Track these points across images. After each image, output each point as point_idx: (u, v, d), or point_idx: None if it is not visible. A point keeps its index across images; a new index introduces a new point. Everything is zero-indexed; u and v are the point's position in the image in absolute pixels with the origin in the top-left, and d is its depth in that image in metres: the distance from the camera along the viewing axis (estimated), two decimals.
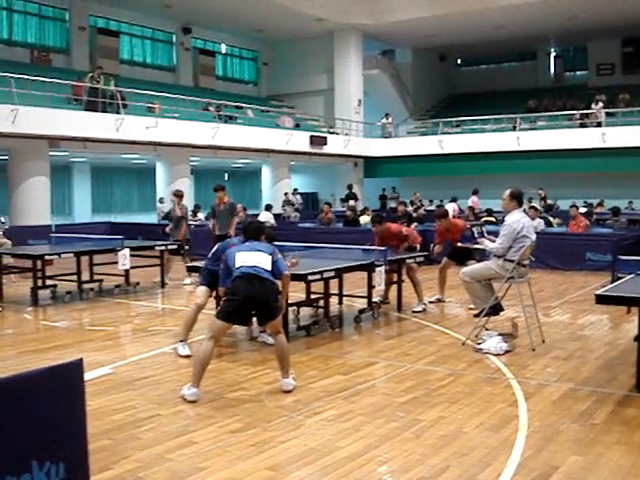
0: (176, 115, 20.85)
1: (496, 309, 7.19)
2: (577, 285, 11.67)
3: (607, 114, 25.12)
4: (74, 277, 10.60)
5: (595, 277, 12.08)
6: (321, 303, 8.48)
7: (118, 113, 18.60)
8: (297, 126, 26.51)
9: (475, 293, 7.16)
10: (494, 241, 7.07)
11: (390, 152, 28.35)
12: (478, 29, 28.32)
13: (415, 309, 9.07)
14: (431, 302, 9.61)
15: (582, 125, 25.56)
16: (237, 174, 31.78)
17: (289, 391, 5.40)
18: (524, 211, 8.21)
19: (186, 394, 5.21)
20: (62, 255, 10.16)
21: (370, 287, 8.56)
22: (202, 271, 6.97)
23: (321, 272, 7.41)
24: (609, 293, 5.51)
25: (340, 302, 9.25)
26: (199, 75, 28.45)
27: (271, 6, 25.03)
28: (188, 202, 21.39)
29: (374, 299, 8.85)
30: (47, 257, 10.14)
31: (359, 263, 8.26)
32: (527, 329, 7.05)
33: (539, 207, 17.31)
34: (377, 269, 8.12)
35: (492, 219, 15.40)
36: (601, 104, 25.25)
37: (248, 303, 5.30)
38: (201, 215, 19.38)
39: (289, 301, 7.30)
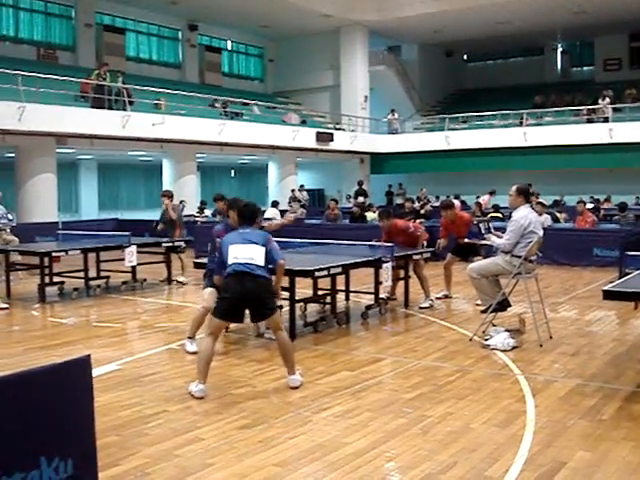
0: (182, 112, 20.85)
1: (503, 305, 7.17)
2: (584, 281, 11.64)
3: (614, 109, 25.04)
4: (81, 274, 10.64)
5: (602, 273, 12.02)
6: (328, 299, 8.49)
7: (124, 110, 18.65)
8: (303, 122, 26.50)
9: (482, 289, 7.15)
10: (501, 237, 7.06)
11: (396, 148, 28.31)
12: (484, 24, 28.21)
13: (422, 305, 9.06)
14: (438, 298, 9.59)
15: (589, 121, 25.46)
16: (243, 171, 31.81)
17: (296, 387, 5.41)
18: (531, 207, 8.18)
19: (193, 390, 5.23)
20: (69, 252, 10.19)
21: (377, 283, 8.55)
22: (206, 273, 6.96)
23: (328, 268, 7.40)
24: (616, 289, 5.47)
25: (347, 298, 9.24)
26: (205, 72, 28.47)
27: (277, 2, 25.04)
28: (194, 199, 21.56)
29: (381, 295, 8.83)
30: (54, 254, 10.19)
31: (366, 259, 8.24)
32: (534, 325, 7.04)
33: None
34: (384, 265, 8.11)
35: (499, 215, 15.37)
36: (608, 99, 25.14)
37: (240, 301, 5.32)
38: (208, 212, 19.35)
39: (296, 298, 7.34)
